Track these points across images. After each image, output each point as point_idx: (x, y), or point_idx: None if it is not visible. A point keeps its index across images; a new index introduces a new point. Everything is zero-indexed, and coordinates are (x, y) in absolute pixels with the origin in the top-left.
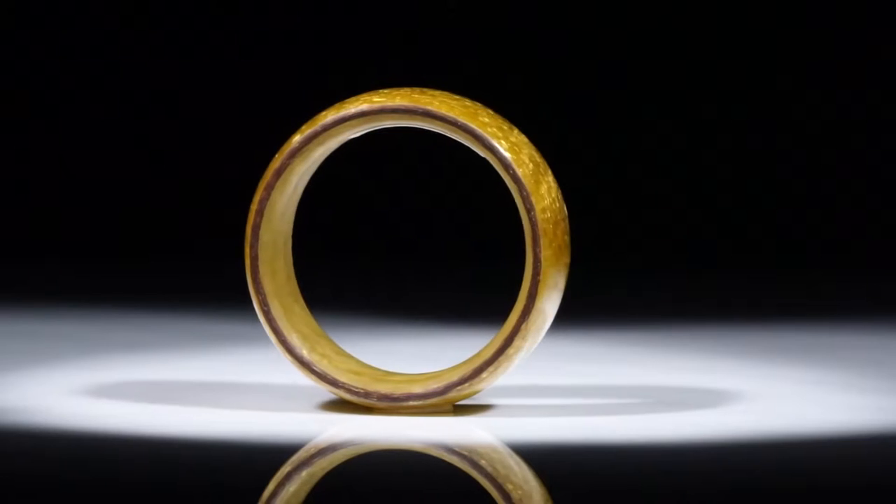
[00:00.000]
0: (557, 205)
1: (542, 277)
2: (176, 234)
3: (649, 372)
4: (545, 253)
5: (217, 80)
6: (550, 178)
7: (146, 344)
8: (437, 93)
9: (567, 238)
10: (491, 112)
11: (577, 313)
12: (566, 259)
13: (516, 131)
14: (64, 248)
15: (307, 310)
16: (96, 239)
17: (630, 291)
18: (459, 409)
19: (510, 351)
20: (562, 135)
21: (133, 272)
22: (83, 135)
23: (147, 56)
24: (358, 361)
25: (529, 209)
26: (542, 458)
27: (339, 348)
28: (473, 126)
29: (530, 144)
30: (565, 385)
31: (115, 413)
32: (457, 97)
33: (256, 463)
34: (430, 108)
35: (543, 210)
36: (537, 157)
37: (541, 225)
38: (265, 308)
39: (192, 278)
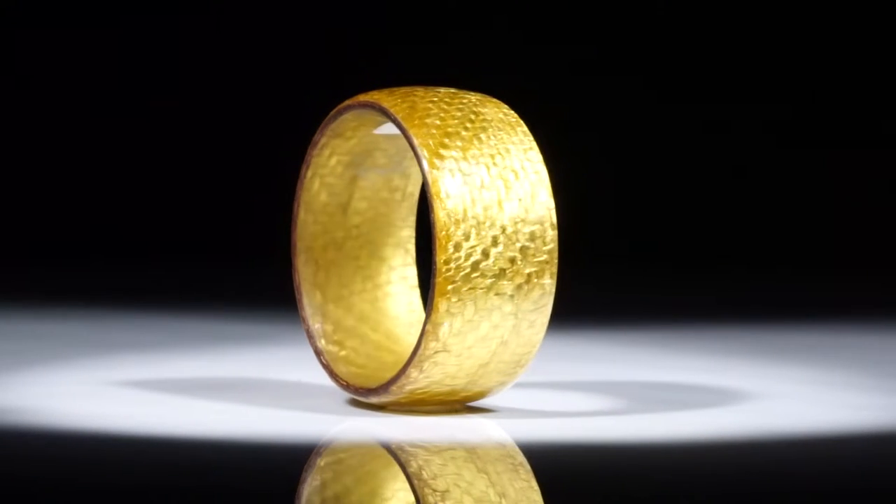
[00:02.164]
0: (495, 212)
1: (437, 280)
2: (179, 234)
3: (649, 372)
4: (440, 257)
5: (232, 75)
6: (512, 190)
7: (154, 344)
8: (425, 90)
9: (519, 246)
10: (483, 116)
11: (577, 314)
12: (509, 266)
13: (478, 143)
14: (65, 248)
15: (384, 307)
16: (97, 240)
17: (630, 291)
18: (475, 409)
19: (426, 352)
20: (565, 134)
21: (135, 273)
22: (83, 134)
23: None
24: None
25: (431, 212)
26: (539, 458)
27: (391, 344)
28: (406, 127)
29: (515, 157)
30: (566, 385)
31: (128, 413)
32: (446, 97)
33: (251, 463)
34: (383, 104)
35: (448, 215)
36: (490, 173)
37: (438, 229)
38: (298, 294)
39: (206, 278)
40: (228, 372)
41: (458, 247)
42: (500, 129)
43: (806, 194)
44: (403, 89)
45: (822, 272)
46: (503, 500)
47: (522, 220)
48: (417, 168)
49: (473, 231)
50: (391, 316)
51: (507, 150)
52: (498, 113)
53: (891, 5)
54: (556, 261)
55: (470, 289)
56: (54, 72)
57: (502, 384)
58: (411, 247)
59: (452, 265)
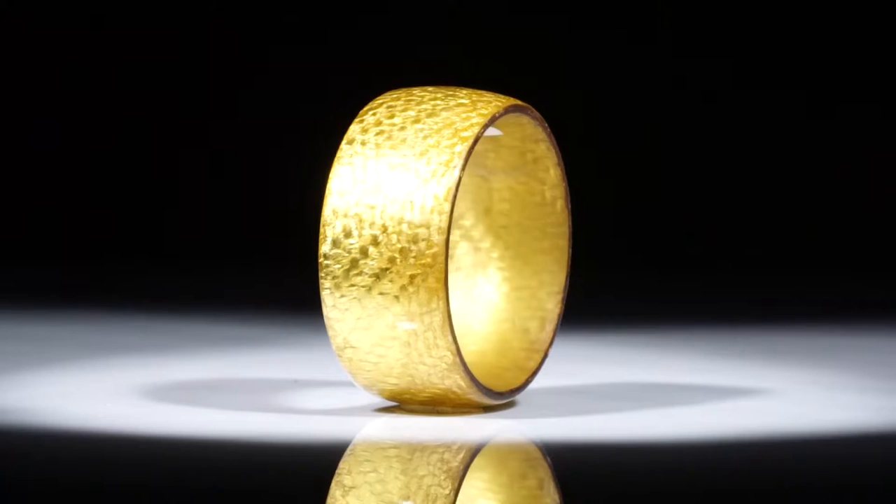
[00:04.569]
0: (380, 211)
1: (319, 275)
2: (181, 236)
3: (648, 373)
4: (319, 251)
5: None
6: (409, 192)
7: (156, 346)
8: (435, 89)
9: (399, 247)
10: (437, 118)
11: (580, 315)
12: (389, 266)
13: (402, 143)
14: (66, 250)
15: (509, 308)
16: (98, 242)
17: (628, 294)
18: (488, 410)
19: (336, 348)
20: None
21: (137, 275)
22: (85, 135)
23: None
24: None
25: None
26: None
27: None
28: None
29: (445, 151)
30: (571, 386)
31: (128, 414)
32: (428, 95)
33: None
34: (374, 99)
35: (334, 211)
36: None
37: (321, 224)
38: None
39: (206, 281)
40: (231, 374)
41: (336, 242)
42: (439, 132)
43: (807, 195)
44: (420, 87)
45: (823, 274)
46: (403, 502)
47: (407, 222)
48: (551, 173)
49: (355, 228)
50: (517, 317)
51: (426, 153)
52: (461, 115)
53: None
54: (441, 265)
55: (351, 286)
56: (56, 71)
57: (457, 387)
58: (561, 255)
59: (332, 260)
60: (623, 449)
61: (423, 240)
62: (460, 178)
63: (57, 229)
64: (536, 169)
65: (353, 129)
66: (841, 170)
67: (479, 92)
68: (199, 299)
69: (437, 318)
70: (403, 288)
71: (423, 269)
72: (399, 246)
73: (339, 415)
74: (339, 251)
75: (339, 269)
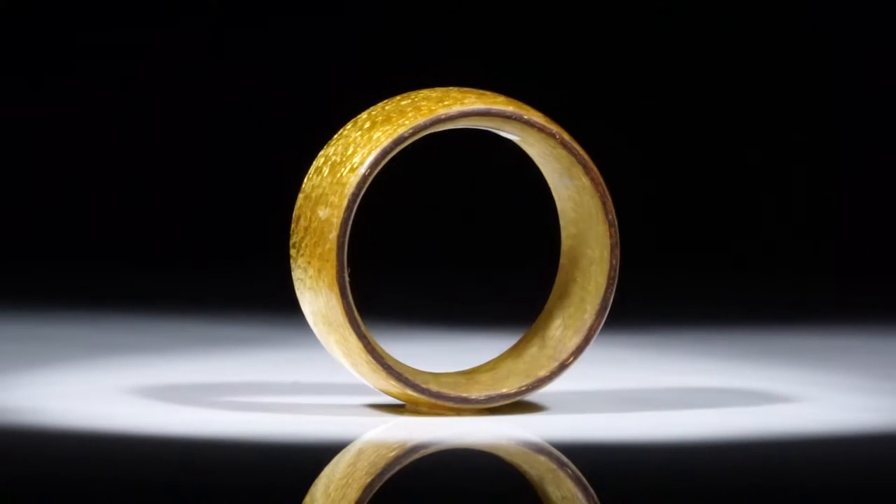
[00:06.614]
0: (310, 205)
1: (291, 266)
2: (178, 237)
3: (649, 374)
4: (290, 240)
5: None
6: (331, 188)
7: (155, 346)
8: (442, 91)
9: (314, 241)
10: (389, 116)
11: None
12: (312, 260)
13: (353, 137)
14: (66, 251)
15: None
16: (98, 242)
17: (631, 294)
18: (491, 410)
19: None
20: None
21: (136, 275)
22: (83, 136)
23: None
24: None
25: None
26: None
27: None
28: None
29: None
30: (574, 387)
31: (127, 413)
32: (416, 95)
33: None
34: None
35: (295, 206)
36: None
37: (293, 212)
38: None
39: (205, 281)
40: (230, 374)
41: (291, 234)
42: (382, 128)
43: (808, 196)
44: (429, 88)
45: (826, 275)
46: (330, 498)
47: (319, 218)
48: (584, 181)
49: (297, 220)
50: (559, 324)
51: (354, 150)
52: (412, 115)
53: None
54: (333, 261)
55: (297, 278)
56: (55, 73)
57: (391, 386)
58: (607, 266)
59: (292, 251)
60: (622, 449)
61: (325, 233)
62: (365, 177)
63: (57, 230)
64: (573, 176)
65: (343, 128)
66: (842, 170)
67: (473, 92)
68: (199, 300)
69: (338, 315)
70: (316, 280)
71: (322, 263)
72: (314, 240)
73: (342, 415)
74: (291, 241)
75: (293, 262)
